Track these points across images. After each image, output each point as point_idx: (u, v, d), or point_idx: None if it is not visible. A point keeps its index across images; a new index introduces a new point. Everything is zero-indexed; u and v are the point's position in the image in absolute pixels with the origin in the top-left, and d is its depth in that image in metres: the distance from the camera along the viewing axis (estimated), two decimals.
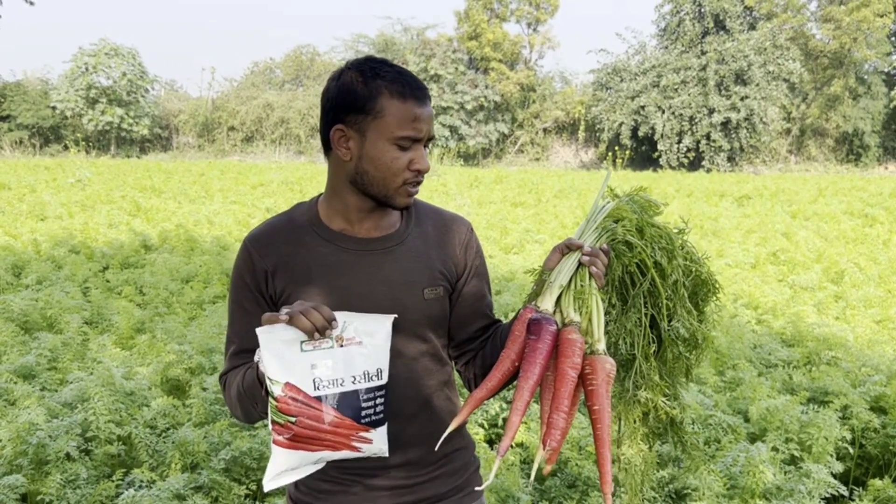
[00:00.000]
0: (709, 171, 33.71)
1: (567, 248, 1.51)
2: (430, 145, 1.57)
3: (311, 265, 1.57)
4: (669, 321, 1.56)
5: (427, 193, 17.26)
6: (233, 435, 3.91)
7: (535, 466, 1.34)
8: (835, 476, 3.68)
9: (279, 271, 1.57)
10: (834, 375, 4.70)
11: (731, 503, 3.37)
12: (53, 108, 37.31)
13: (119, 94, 37.73)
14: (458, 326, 1.69)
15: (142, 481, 3.43)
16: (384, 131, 1.50)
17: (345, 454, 1.44)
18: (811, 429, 3.81)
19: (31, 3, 10.85)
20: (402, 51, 39.50)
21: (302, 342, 1.38)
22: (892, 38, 38.59)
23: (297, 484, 1.66)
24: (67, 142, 36.53)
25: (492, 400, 4.30)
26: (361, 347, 1.42)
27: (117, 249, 9.23)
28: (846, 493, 3.44)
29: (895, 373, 4.82)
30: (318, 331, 1.36)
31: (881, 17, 35.29)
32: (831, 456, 3.73)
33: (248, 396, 1.50)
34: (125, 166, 26.62)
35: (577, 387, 1.44)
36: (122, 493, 3.30)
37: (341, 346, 1.41)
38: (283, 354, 1.37)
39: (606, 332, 1.51)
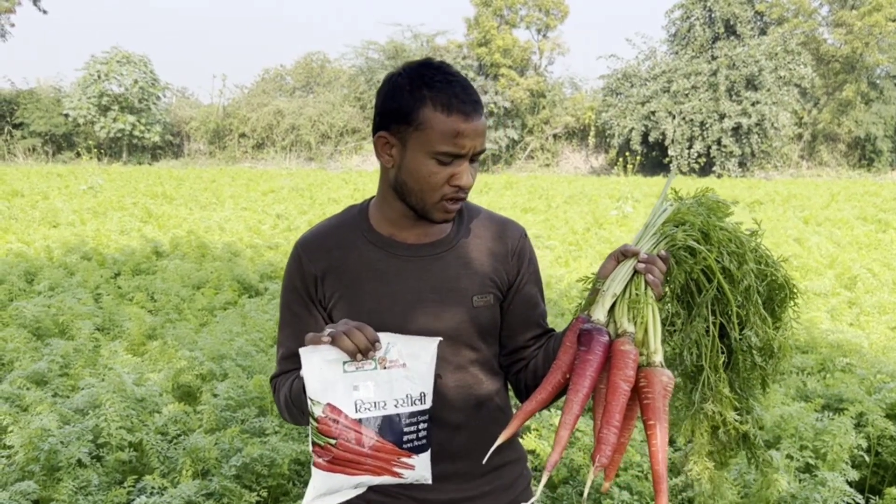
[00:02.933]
0: (720, 176, 33.59)
1: (622, 254, 1.44)
2: (479, 159, 1.52)
3: (360, 270, 1.56)
4: (741, 330, 1.47)
5: None
6: (244, 441, 3.91)
7: (588, 484, 1.27)
8: (850, 484, 3.64)
9: (329, 276, 1.57)
10: (849, 382, 4.65)
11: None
12: (66, 115, 37.56)
13: (131, 102, 37.95)
14: (510, 335, 1.65)
15: (153, 488, 3.43)
16: (425, 144, 1.45)
17: (386, 479, 1.40)
18: (826, 436, 3.77)
19: (44, 12, 10.95)
20: (412, 57, 39.54)
21: (344, 363, 1.36)
22: None
23: None
24: (80, 149, 36.74)
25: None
26: (405, 370, 1.39)
27: (129, 256, 9.26)
28: (862, 502, 3.40)
29: None
30: (361, 352, 1.34)
31: (893, 21, 35.12)
32: (846, 464, 3.69)
33: (296, 407, 1.50)
34: (137, 173, 26.77)
35: (632, 400, 1.37)
36: (133, 500, 3.30)
37: (384, 368, 1.38)
38: (325, 375, 1.35)
39: (670, 343, 1.46)
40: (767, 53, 34.76)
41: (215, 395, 4.48)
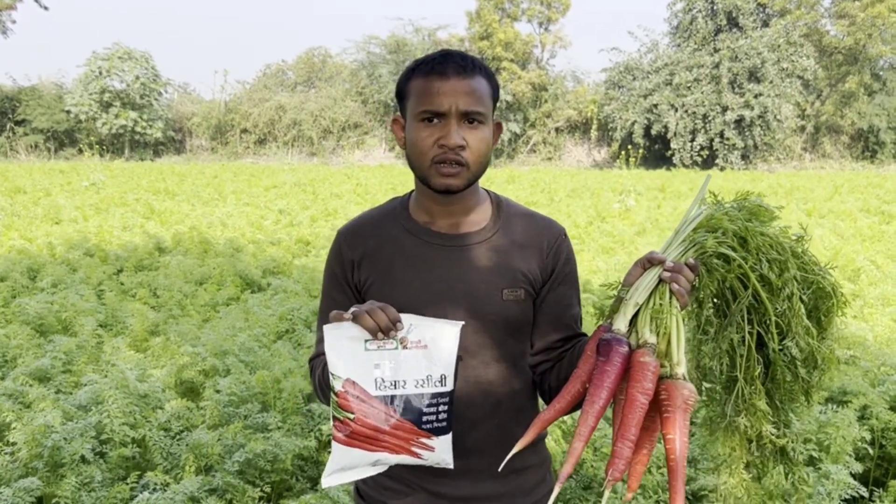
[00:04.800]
0: (723, 169, 33.51)
1: (649, 262, 1.39)
2: (478, 121, 1.50)
3: (395, 257, 1.59)
4: (781, 340, 1.41)
5: None
6: (247, 437, 3.91)
7: (605, 499, 1.24)
8: (854, 477, 3.63)
9: (364, 261, 1.61)
10: (853, 375, 4.64)
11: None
12: (68, 112, 37.57)
13: (132, 98, 37.94)
14: (539, 334, 1.63)
15: (156, 484, 3.43)
16: (412, 110, 1.52)
17: (404, 459, 1.42)
18: (829, 429, 3.75)
19: (46, 8, 10.94)
20: (414, 51, 39.48)
21: (366, 341, 1.39)
22: None
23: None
24: (82, 145, 36.75)
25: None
26: (426, 352, 1.41)
27: (131, 252, 9.27)
28: (866, 494, 3.40)
29: None
30: (382, 331, 1.37)
31: None
32: (850, 456, 3.68)
33: (327, 386, 1.52)
34: (139, 169, 26.78)
35: (653, 413, 1.34)
36: (136, 496, 3.30)
37: (405, 348, 1.40)
38: (346, 351, 1.39)
39: (703, 352, 1.42)
40: (770, 45, 34.63)
41: (218, 391, 4.48)
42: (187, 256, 9.16)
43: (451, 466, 1.46)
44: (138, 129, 37.94)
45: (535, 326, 1.62)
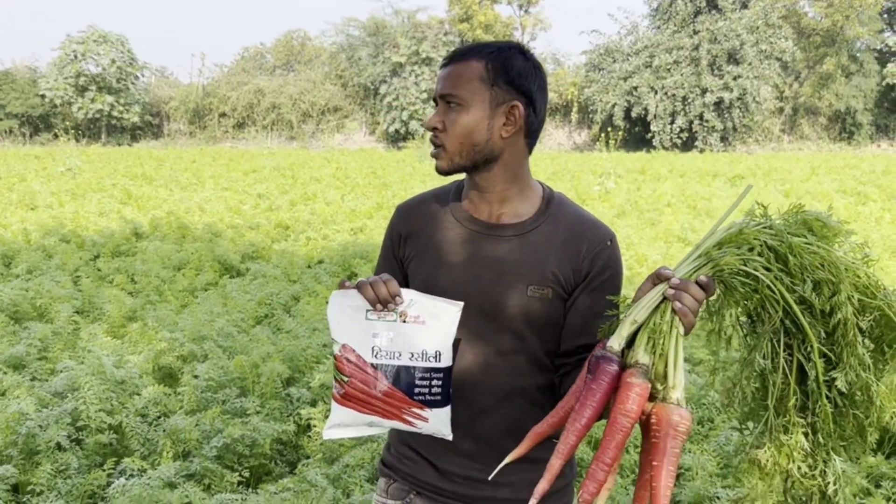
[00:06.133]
0: (702, 151, 33.65)
1: (657, 278, 1.31)
2: (457, 104, 1.53)
3: (434, 238, 1.64)
4: (830, 370, 1.28)
5: (419, 177, 17.22)
6: (225, 422, 3.90)
7: None
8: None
9: (410, 237, 1.68)
10: None
11: (724, 482, 3.36)
12: (42, 96, 37.02)
13: (109, 82, 37.44)
14: (565, 336, 1.60)
15: (133, 470, 3.41)
16: None
17: (396, 424, 1.49)
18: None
19: None
20: (393, 34, 39.23)
21: (367, 311, 1.47)
22: (884, 16, 38.47)
23: (389, 447, 1.75)
24: (57, 130, 36.22)
25: None
26: (424, 327, 1.47)
27: (108, 238, 9.17)
28: None
29: None
30: (381, 302, 1.45)
31: None
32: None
33: None
34: (116, 154, 26.47)
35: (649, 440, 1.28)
36: (113, 483, 3.28)
37: (404, 321, 1.47)
38: (347, 318, 1.48)
39: (729, 378, 1.33)
40: (749, 27, 34.73)
41: (196, 377, 4.46)
42: (165, 242, 9.08)
43: (450, 437, 1.51)
44: (115, 113, 37.47)
45: (563, 328, 1.60)
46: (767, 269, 1.28)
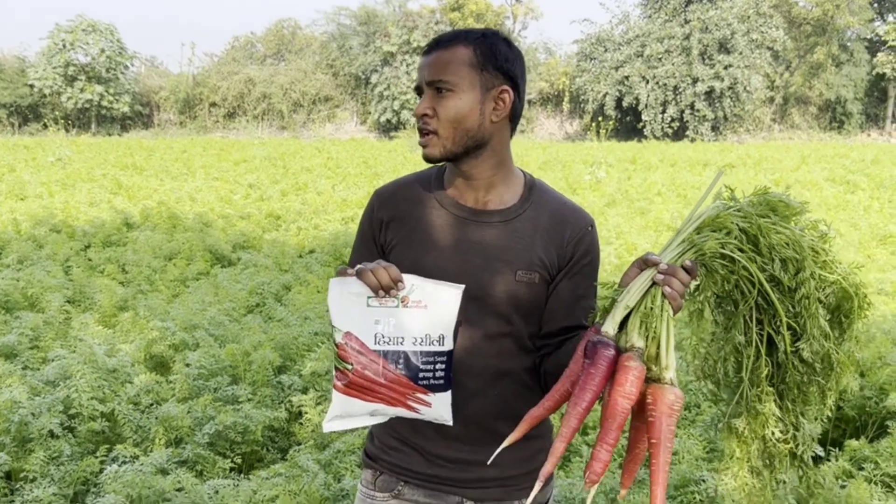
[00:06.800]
0: (693, 140, 33.75)
1: (644, 263, 1.35)
2: (447, 90, 1.54)
3: (419, 224, 1.63)
4: (796, 341, 1.36)
5: (410, 167, 17.22)
6: (216, 410, 3.92)
7: (589, 500, 1.27)
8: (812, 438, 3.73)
9: (393, 223, 1.66)
10: None
11: (710, 466, 3.41)
12: (31, 86, 36.79)
13: (98, 72, 37.23)
14: (546, 319, 1.64)
15: (125, 457, 3.44)
16: None
17: (401, 412, 1.47)
18: None
19: None
20: (385, 23, 39.10)
21: (369, 297, 1.44)
22: (875, 5, 38.58)
23: (372, 438, 1.73)
24: (47, 120, 36.03)
25: None
26: (426, 311, 1.46)
27: (99, 228, 9.16)
28: (822, 454, 3.50)
29: (873, 336, 4.88)
30: (383, 288, 1.42)
31: None
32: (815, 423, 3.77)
33: None
34: (106, 144, 26.35)
35: (641, 418, 1.33)
36: (105, 469, 3.31)
37: (406, 307, 1.45)
38: (348, 305, 1.45)
39: (706, 353, 1.40)
40: (740, 16, 34.77)
41: (188, 365, 4.48)
42: (156, 232, 9.07)
43: (450, 423, 1.51)
44: (105, 103, 37.28)
45: (545, 311, 1.64)
46: (741, 251, 1.35)
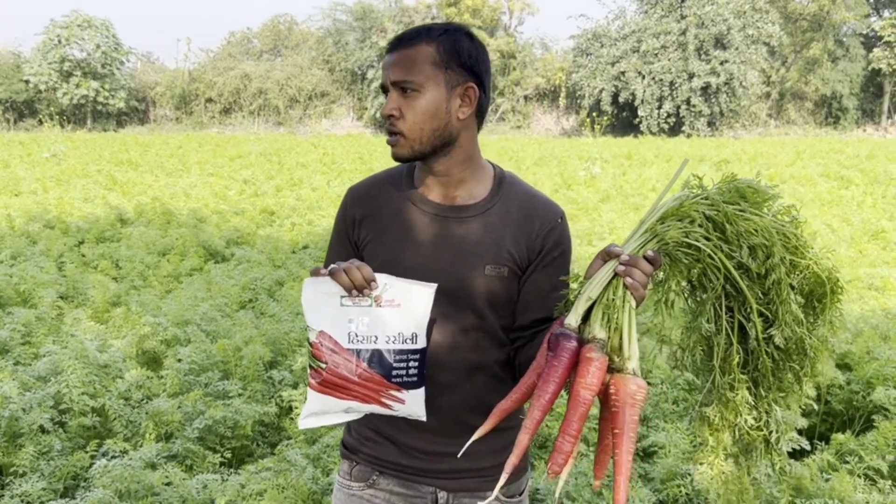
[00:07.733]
0: (689, 136, 33.78)
1: (607, 255, 1.36)
2: (412, 90, 1.54)
3: (390, 220, 1.64)
4: (768, 328, 1.36)
5: None
6: (207, 404, 3.94)
7: (558, 491, 1.31)
8: (800, 432, 3.75)
9: (365, 221, 1.67)
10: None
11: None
12: (26, 81, 36.71)
13: (94, 67, 37.16)
14: (519, 312, 1.65)
15: (115, 451, 3.45)
16: None
17: (374, 408, 1.50)
18: None
19: None
20: (381, 18, 39.05)
21: (342, 297, 1.46)
22: (871, 0, 38.59)
23: (350, 430, 1.75)
24: (42, 116, 35.96)
25: None
26: (399, 310, 1.48)
27: (93, 224, 9.16)
28: (808, 448, 3.52)
29: (861, 331, 4.91)
30: (356, 288, 1.44)
31: None
32: (795, 413, 3.80)
33: None
34: (101, 140, 26.32)
35: (608, 408, 1.34)
36: (95, 463, 3.33)
37: (379, 305, 1.47)
38: (322, 305, 1.47)
39: (676, 341, 1.42)
40: (736, 12, 34.79)
41: (179, 360, 4.49)
42: (150, 227, 9.07)
43: (424, 419, 1.53)
44: (100, 99, 37.22)
45: (517, 304, 1.65)
46: (707, 239, 1.35)
